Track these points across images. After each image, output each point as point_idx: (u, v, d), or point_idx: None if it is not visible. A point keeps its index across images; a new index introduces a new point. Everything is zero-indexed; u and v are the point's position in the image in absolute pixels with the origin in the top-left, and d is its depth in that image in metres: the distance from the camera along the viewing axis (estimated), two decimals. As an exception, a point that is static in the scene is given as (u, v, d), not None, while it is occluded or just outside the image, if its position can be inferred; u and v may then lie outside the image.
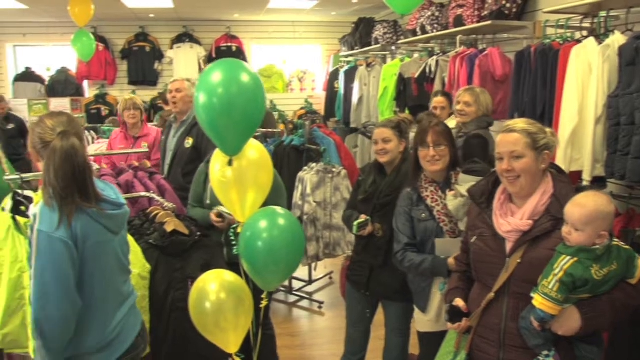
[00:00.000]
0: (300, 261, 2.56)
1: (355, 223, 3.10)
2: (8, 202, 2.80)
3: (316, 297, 5.52)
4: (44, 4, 7.74)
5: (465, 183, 2.70)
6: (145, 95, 9.64)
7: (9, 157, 3.82)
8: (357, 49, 8.36)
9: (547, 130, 2.21)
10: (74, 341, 2.05)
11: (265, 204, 2.57)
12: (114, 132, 5.38)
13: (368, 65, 7.54)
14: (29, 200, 2.81)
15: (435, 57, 5.67)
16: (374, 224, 3.12)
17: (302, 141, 5.01)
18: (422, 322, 2.92)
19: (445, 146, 2.84)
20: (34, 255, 1.93)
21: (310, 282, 5.76)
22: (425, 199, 2.85)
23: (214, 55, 9.66)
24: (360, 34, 8.30)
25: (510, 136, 2.15)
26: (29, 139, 2.12)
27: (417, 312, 2.95)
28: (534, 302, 1.95)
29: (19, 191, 2.79)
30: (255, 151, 2.50)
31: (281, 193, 3.37)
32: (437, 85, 5.46)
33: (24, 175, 2.79)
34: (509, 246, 2.15)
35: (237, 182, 2.43)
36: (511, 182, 2.15)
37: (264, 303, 2.66)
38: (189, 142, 4.31)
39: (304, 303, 5.46)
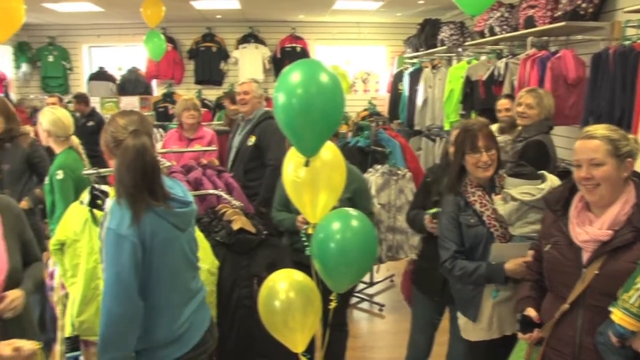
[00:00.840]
0: (372, 264, 2.54)
1: (431, 211, 3.03)
2: (86, 196, 2.91)
3: (377, 299, 5.49)
4: (118, 7, 8.01)
5: (513, 187, 2.60)
6: (211, 94, 9.87)
7: (87, 153, 4.00)
8: (422, 51, 8.25)
9: (630, 136, 2.11)
10: (144, 336, 2.09)
11: (354, 205, 2.55)
12: (168, 133, 5.43)
13: (433, 67, 7.43)
14: (105, 194, 2.92)
15: (504, 60, 5.53)
16: None
17: (368, 143, 4.99)
18: (474, 330, 2.77)
19: (495, 150, 2.72)
20: (104, 248, 1.99)
21: (371, 284, 5.73)
22: (472, 204, 2.71)
23: (278, 56, 9.77)
24: (426, 35, 8.20)
25: (590, 143, 2.06)
26: (102, 138, 2.16)
27: (465, 321, 2.82)
28: (612, 317, 1.85)
29: (96, 185, 2.89)
30: (329, 152, 2.50)
31: (367, 195, 3.37)
32: (506, 89, 5.32)
33: (100, 170, 2.89)
34: (585, 256, 2.06)
35: (310, 183, 2.44)
36: (590, 190, 2.06)
37: (332, 304, 2.66)
38: (251, 140, 4.40)
39: (364, 305, 5.44)
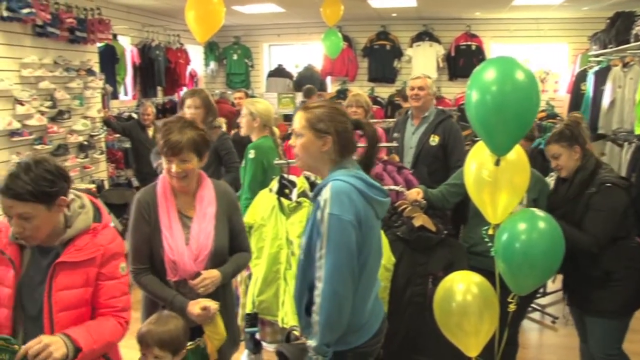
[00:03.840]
0: (557, 267, 2.42)
1: None
2: (275, 185, 3.10)
3: (550, 310, 5.19)
4: (298, 7, 8.39)
5: None
6: (383, 92, 9.98)
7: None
8: (611, 47, 7.61)
9: None
10: None
11: (537, 207, 2.47)
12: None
13: (624, 65, 6.83)
14: (293, 184, 3.09)
15: None
16: None
17: (548, 146, 4.72)
18: None
19: None
20: (324, 238, 2.02)
21: (544, 293, 5.43)
22: None
23: (452, 54, 9.60)
24: (617, 30, 7.54)
25: None
26: None
27: None
28: None
29: (285, 175, 3.06)
30: (513, 152, 2.42)
31: None
32: None
33: (290, 161, 3.05)
34: None
35: (492, 182, 2.38)
36: None
37: (511, 307, 2.57)
38: (434, 139, 4.25)
39: (536, 315, 5.17)
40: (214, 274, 2.46)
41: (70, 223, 2.06)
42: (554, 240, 2.34)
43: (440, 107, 4.66)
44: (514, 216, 2.40)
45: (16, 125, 5.14)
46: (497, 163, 2.23)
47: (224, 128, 4.75)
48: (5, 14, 4.94)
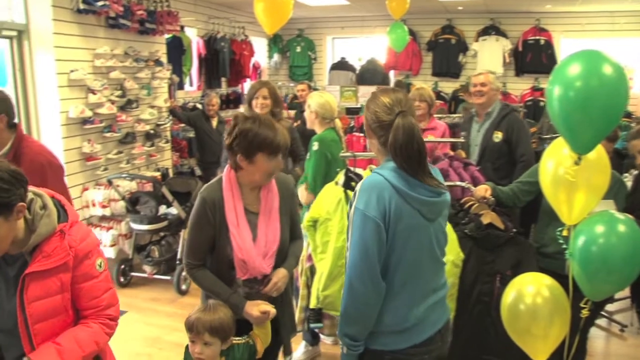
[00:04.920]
0: (637, 274, 2.29)
1: None
2: (341, 177, 3.08)
3: (618, 317, 4.97)
4: (364, 0, 8.34)
5: None
6: (447, 87, 9.80)
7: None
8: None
9: None
10: None
11: None
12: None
13: None
14: (359, 177, 3.06)
15: None
16: None
17: (625, 145, 4.52)
18: None
19: None
20: (349, 231, 2.01)
21: (612, 300, 5.20)
22: None
23: (520, 49, 9.31)
24: (700, 25, 7.16)
25: None
26: (364, 116, 2.15)
27: None
28: None
29: (351, 168, 3.03)
30: (593, 151, 2.30)
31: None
32: None
33: (356, 154, 3.02)
34: None
35: (569, 182, 2.28)
36: None
37: (584, 313, 2.46)
38: (497, 136, 4.18)
39: (602, 322, 4.96)
40: (282, 274, 2.47)
41: (33, 227, 1.87)
42: (635, 244, 2.22)
43: (504, 102, 4.53)
44: (592, 218, 2.29)
45: (88, 113, 5.31)
46: (577, 162, 2.12)
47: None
48: (81, 6, 5.11)
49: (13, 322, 1.83)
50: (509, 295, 2.52)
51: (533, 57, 9.18)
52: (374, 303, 2.01)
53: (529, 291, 2.48)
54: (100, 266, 1.99)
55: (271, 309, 2.41)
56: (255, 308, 2.40)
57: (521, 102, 8.92)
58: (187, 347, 2.37)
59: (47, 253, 1.85)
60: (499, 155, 4.17)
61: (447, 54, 9.73)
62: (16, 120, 3.01)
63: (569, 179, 2.19)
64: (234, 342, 2.38)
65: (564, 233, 2.41)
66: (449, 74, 9.84)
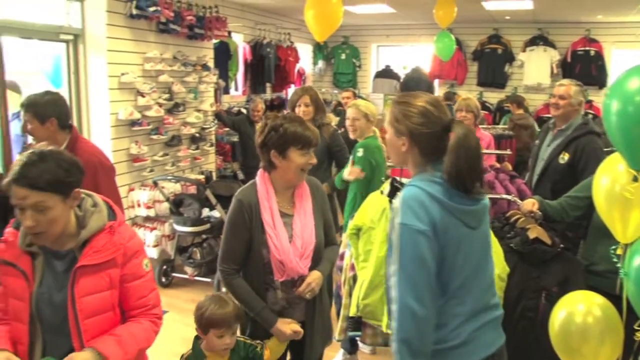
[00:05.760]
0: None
1: None
2: (387, 187, 3.07)
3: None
4: (410, 8, 8.29)
5: None
6: (492, 97, 9.69)
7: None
8: None
9: None
10: None
11: None
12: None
13: None
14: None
15: None
16: None
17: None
18: None
19: None
20: (395, 251, 1.86)
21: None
22: None
23: (568, 60, 9.14)
24: None
25: None
26: (396, 124, 2.00)
27: None
28: None
29: (398, 178, 3.02)
30: (649, 166, 2.24)
31: None
32: None
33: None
34: None
35: (622, 199, 2.21)
36: None
37: (638, 336, 2.38)
38: (564, 157, 3.86)
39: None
40: (316, 276, 2.48)
41: (84, 223, 1.92)
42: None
43: (586, 119, 4.16)
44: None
45: (137, 115, 5.43)
46: (635, 179, 2.05)
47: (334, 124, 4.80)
48: (134, 12, 5.25)
49: (62, 318, 1.87)
50: (557, 314, 2.45)
51: (582, 68, 8.98)
52: (433, 325, 1.86)
53: (579, 310, 2.41)
54: (146, 266, 2.04)
55: (300, 331, 2.45)
56: (288, 326, 2.44)
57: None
58: (195, 338, 2.45)
59: (97, 248, 1.89)
60: (560, 177, 3.84)
61: (493, 64, 9.62)
62: (70, 122, 3.11)
63: (627, 197, 2.12)
64: (243, 339, 2.47)
65: (618, 251, 2.34)
66: (494, 84, 9.72)
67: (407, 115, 1.94)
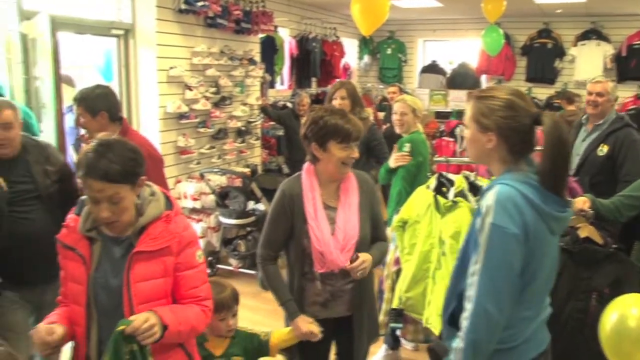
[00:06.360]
0: None
1: None
2: (433, 182, 3.05)
3: None
4: (457, 2, 8.16)
5: None
6: (541, 93, 9.46)
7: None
8: None
9: None
10: None
11: None
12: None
13: None
14: (451, 182, 3.01)
15: None
16: None
17: None
18: None
19: None
20: (482, 251, 1.79)
21: None
22: None
23: (623, 54, 8.83)
24: None
25: None
26: (481, 119, 1.89)
27: None
28: None
29: (444, 173, 2.99)
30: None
31: None
32: None
33: (450, 159, 2.98)
34: None
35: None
36: None
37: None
38: (602, 149, 3.89)
39: None
40: (368, 257, 2.45)
41: (141, 211, 1.97)
42: None
43: (621, 114, 4.18)
44: None
45: (184, 108, 5.53)
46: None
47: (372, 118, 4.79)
48: (183, 6, 5.34)
49: (117, 303, 1.91)
50: (609, 316, 2.38)
51: (638, 62, 8.68)
52: (502, 328, 1.82)
53: (633, 313, 2.33)
54: (200, 257, 2.05)
55: (317, 334, 2.45)
56: (306, 324, 2.45)
57: (622, 110, 8.47)
58: None
59: (153, 235, 1.93)
60: (599, 170, 3.87)
61: (543, 58, 9.38)
62: (121, 114, 3.19)
63: None
64: (244, 329, 2.55)
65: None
66: (543, 79, 9.48)
67: (494, 109, 1.84)
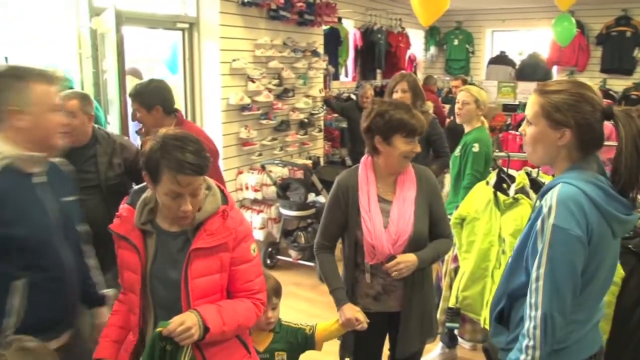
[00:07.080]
0: None
1: None
2: (493, 178, 2.95)
3: None
4: (530, -12, 7.89)
5: None
6: (617, 84, 9.01)
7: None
8: None
9: None
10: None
11: None
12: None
13: None
14: (512, 179, 2.90)
15: None
16: None
17: None
18: None
19: None
20: (544, 255, 1.72)
21: None
22: None
23: None
24: None
25: None
26: (554, 114, 1.80)
27: None
28: None
29: (505, 169, 2.89)
30: None
31: None
32: None
33: (511, 154, 2.87)
34: None
35: None
36: None
37: None
38: None
39: None
40: (409, 259, 2.40)
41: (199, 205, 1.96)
42: None
43: None
44: None
45: (247, 100, 5.58)
46: None
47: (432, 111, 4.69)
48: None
49: (175, 297, 1.92)
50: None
51: None
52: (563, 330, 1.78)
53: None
54: (254, 251, 2.06)
55: (363, 322, 2.40)
56: (352, 312, 2.41)
57: None
58: None
59: (211, 231, 1.93)
60: None
61: (620, 48, 8.92)
62: (175, 107, 3.24)
63: None
64: (288, 324, 2.54)
65: None
66: (620, 70, 9.01)
67: (570, 104, 1.76)
